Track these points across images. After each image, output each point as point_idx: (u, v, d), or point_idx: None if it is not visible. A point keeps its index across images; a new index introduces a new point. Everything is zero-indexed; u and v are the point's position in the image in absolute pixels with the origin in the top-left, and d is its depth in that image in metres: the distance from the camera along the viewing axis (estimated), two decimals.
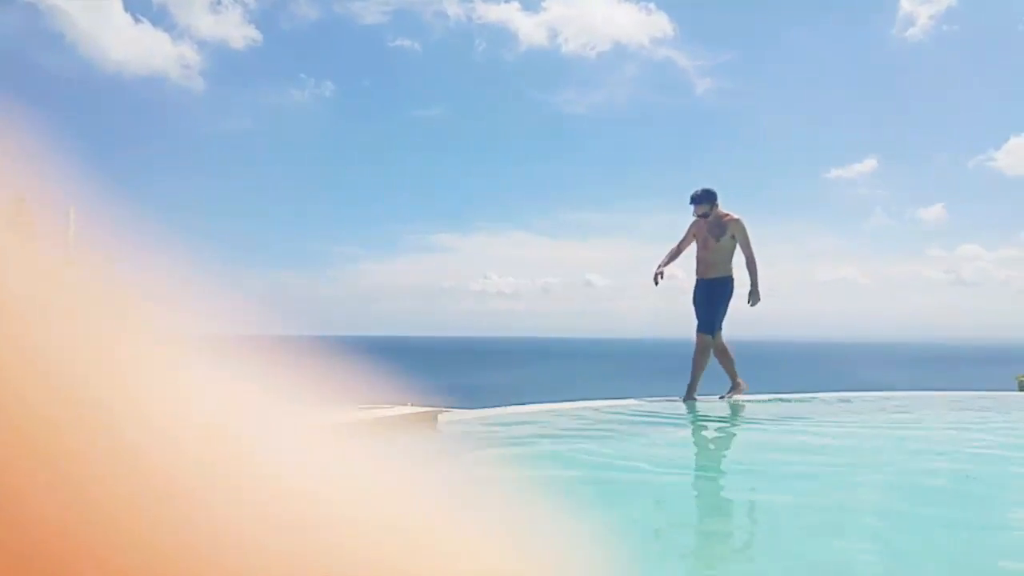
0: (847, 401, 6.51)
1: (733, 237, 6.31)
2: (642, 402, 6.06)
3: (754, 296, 6.32)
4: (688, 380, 6.37)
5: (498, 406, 5.56)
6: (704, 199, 6.44)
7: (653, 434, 5.06)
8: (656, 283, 6.57)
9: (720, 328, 6.33)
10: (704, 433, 5.26)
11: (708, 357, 6.32)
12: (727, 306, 6.36)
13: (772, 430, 5.08)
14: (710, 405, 6.11)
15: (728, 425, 5.60)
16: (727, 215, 6.40)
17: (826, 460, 3.94)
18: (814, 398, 6.42)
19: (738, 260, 6.40)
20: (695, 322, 6.45)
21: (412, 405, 5.34)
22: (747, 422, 5.66)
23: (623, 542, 2.48)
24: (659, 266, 6.59)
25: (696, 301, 6.47)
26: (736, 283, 6.41)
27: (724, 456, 4.55)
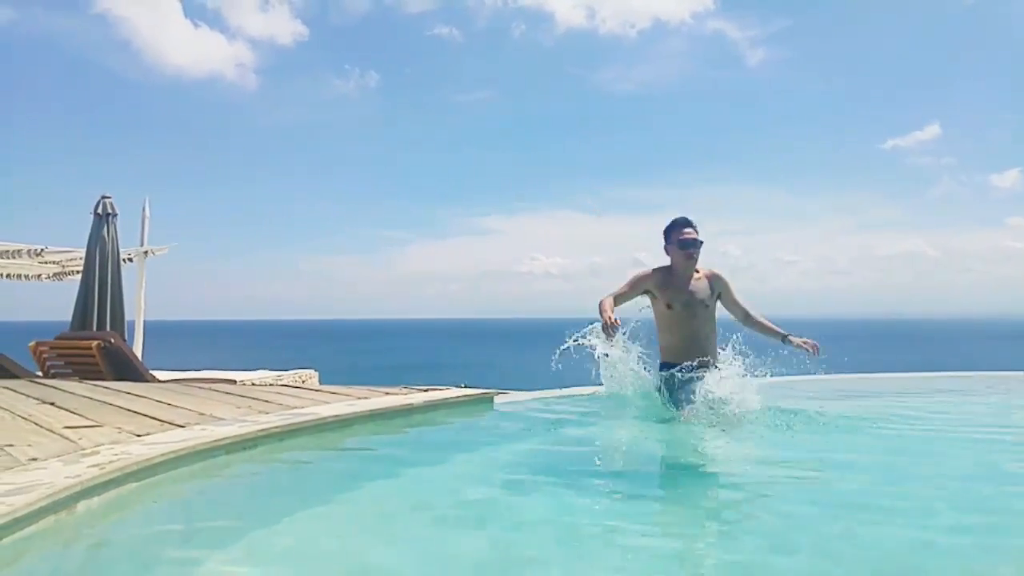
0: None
1: (719, 297, 4.55)
2: None
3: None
4: None
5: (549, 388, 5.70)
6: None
7: None
8: (611, 334, 4.15)
9: None
10: None
11: None
12: None
13: None
14: None
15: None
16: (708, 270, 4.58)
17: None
18: None
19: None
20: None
21: (465, 387, 5.56)
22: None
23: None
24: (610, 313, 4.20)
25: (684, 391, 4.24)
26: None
27: None
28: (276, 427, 3.94)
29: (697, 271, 4.45)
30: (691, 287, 4.38)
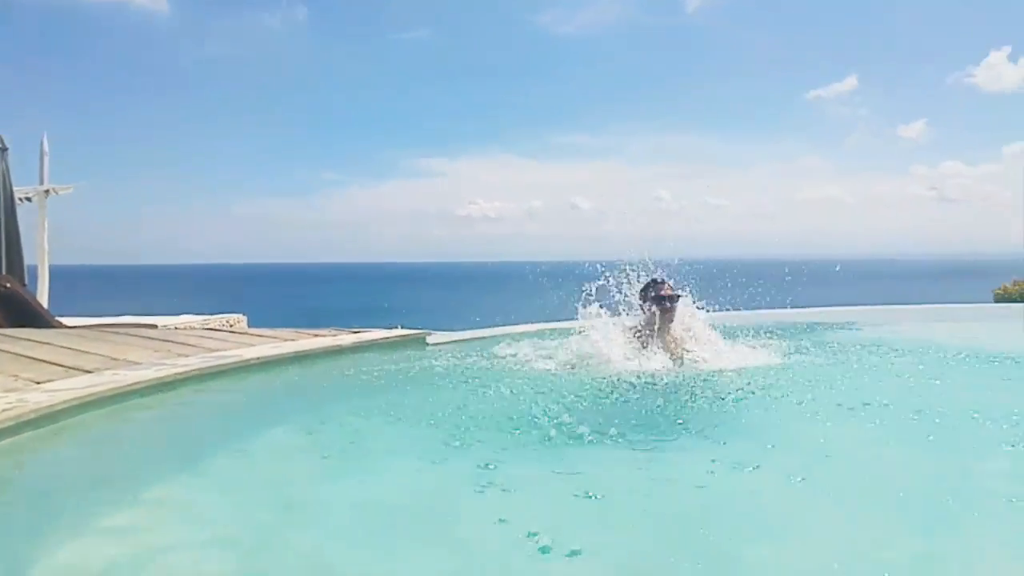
0: None
1: None
2: None
3: None
4: None
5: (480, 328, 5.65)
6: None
7: None
8: None
9: None
10: None
11: None
12: None
13: None
14: None
15: None
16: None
17: None
18: None
19: None
20: None
21: (401, 328, 5.45)
22: None
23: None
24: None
25: None
26: None
27: None
28: (196, 370, 3.76)
29: (676, 325, 4.38)
30: (670, 341, 4.34)
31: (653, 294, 4.37)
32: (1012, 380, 3.97)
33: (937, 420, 2.87)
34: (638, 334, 4.37)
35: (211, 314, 10.09)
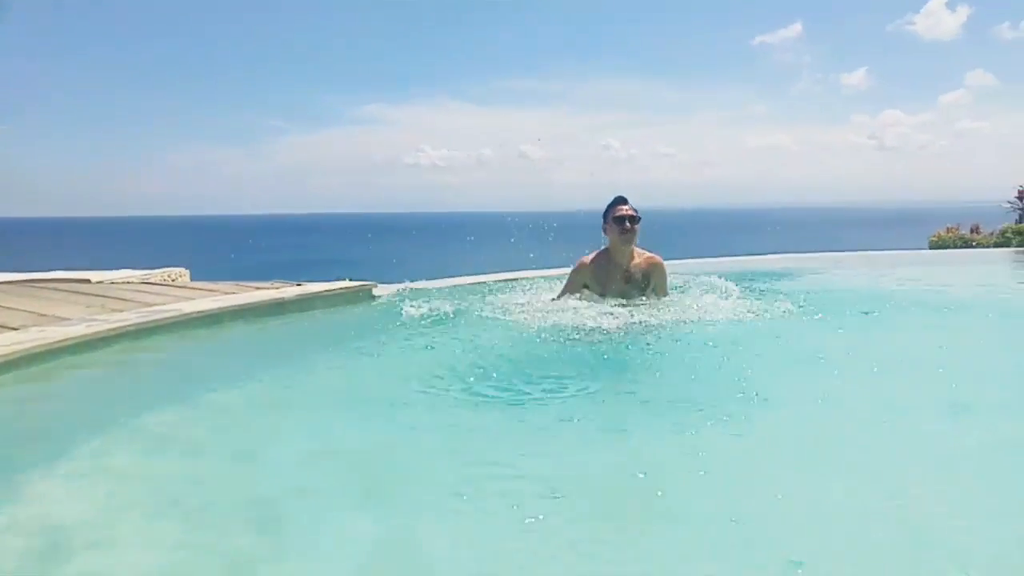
0: None
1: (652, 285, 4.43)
2: None
3: None
4: None
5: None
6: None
7: None
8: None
9: None
10: None
11: None
12: None
13: None
14: None
15: None
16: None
17: None
18: None
19: None
20: None
21: (349, 280, 5.36)
22: None
23: None
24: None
25: None
26: None
27: None
28: (131, 325, 3.63)
29: (639, 254, 4.41)
30: (628, 271, 4.35)
31: (613, 215, 4.35)
32: (969, 330, 4.12)
33: (877, 368, 3.00)
34: (593, 272, 4.37)
35: (152, 268, 9.72)
